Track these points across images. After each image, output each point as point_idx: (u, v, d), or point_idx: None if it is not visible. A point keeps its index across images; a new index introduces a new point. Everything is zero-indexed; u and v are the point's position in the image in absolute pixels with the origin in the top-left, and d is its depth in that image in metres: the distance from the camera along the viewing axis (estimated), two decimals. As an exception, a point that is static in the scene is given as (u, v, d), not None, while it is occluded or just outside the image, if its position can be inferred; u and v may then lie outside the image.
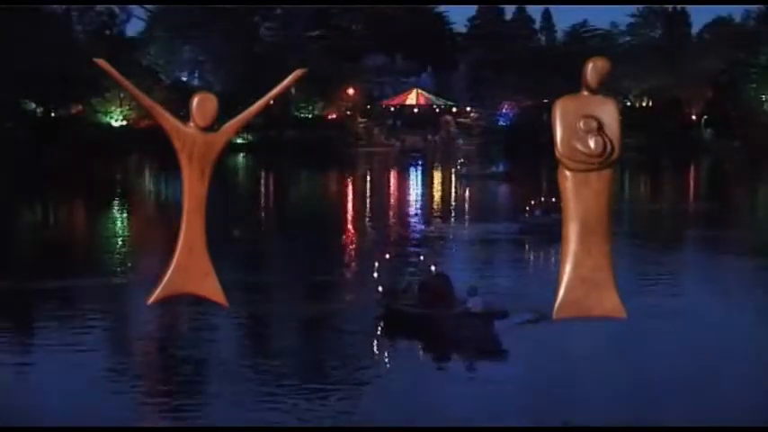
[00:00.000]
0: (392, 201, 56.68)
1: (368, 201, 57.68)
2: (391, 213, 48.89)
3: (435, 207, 52.07)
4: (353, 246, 37.33)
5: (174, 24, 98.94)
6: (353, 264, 32.81)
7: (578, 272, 4.21)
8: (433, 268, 23.75)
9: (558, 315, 4.25)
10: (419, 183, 69.94)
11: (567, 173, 4.18)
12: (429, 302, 21.50)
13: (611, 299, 4.26)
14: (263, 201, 60.44)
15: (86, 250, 36.57)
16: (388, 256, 27.23)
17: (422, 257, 27.03)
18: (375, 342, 21.19)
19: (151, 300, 4.33)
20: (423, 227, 42.27)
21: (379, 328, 21.92)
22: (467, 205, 54.20)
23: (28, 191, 53.68)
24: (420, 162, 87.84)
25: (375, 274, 23.84)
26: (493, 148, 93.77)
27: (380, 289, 22.86)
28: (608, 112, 4.16)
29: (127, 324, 22.93)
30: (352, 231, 41.44)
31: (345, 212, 50.82)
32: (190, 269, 4.32)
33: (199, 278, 4.35)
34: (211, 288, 4.38)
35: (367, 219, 46.66)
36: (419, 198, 58.16)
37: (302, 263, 31.63)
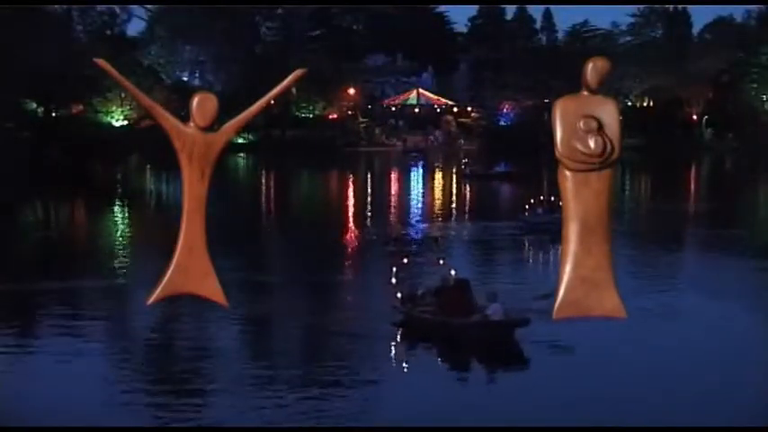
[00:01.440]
0: (401, 201, 56.44)
1: (375, 201, 57.55)
2: (401, 214, 48.59)
3: (444, 207, 51.92)
4: (363, 247, 37.19)
5: (174, 24, 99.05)
6: (367, 266, 32.55)
7: (578, 272, 4.22)
8: (453, 273, 22.32)
9: (557, 315, 4.26)
10: (424, 183, 69.81)
11: (567, 173, 4.18)
12: (447, 309, 20.55)
13: (611, 299, 4.26)
14: (263, 200, 60.47)
15: (86, 250, 36.59)
16: (406, 260, 25.82)
17: (441, 261, 25.36)
18: (390, 350, 20.49)
19: (151, 300, 4.33)
20: (431, 227, 42.13)
21: (395, 335, 21.12)
22: (475, 205, 54.13)
23: (29, 190, 53.69)
24: (422, 162, 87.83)
25: (393, 280, 22.71)
26: (494, 147, 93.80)
27: (399, 295, 21.78)
28: (608, 112, 4.16)
29: (130, 325, 22.92)
30: (361, 232, 41.05)
31: (350, 212, 50.78)
32: (190, 269, 4.32)
33: (199, 278, 4.35)
34: (211, 288, 4.38)
35: (377, 219, 46.19)
36: (427, 198, 58.07)
37: (312, 264, 31.62)
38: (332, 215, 49.11)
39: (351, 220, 46.47)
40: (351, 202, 56.99)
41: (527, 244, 36.18)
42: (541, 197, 39.66)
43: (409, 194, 60.84)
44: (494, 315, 19.93)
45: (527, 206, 40.02)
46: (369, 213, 49.84)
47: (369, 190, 65.45)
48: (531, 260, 34.42)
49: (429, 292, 21.72)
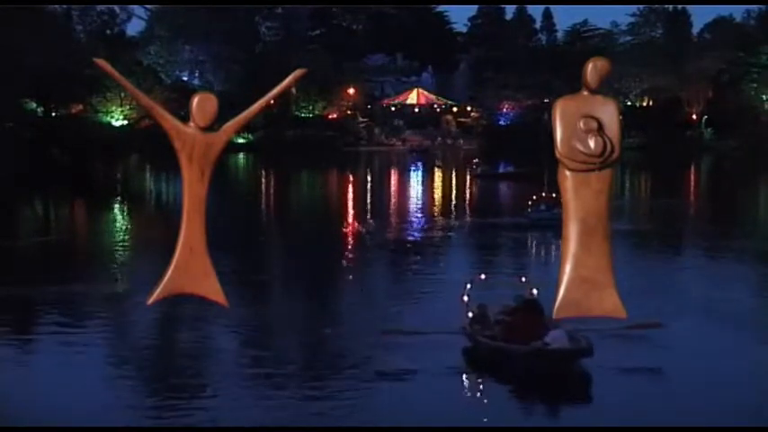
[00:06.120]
0: (404, 200, 56.44)
1: (376, 200, 57.51)
2: (405, 212, 48.48)
3: (450, 205, 51.86)
4: (363, 246, 37.19)
5: (174, 24, 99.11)
6: (367, 267, 32.53)
7: (578, 272, 4.22)
8: (535, 292, 19.16)
9: (557, 315, 4.27)
10: (429, 183, 69.65)
11: (567, 173, 4.19)
12: (512, 333, 17.97)
13: (611, 299, 4.26)
14: (263, 199, 60.47)
15: (86, 250, 36.58)
16: (483, 276, 21.34)
17: (523, 279, 20.61)
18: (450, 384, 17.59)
19: (151, 300, 4.33)
20: (435, 225, 42.18)
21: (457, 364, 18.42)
22: (481, 202, 54.14)
23: (28, 190, 53.70)
24: (423, 162, 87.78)
25: (465, 297, 19.33)
26: (494, 147, 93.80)
27: (470, 314, 19.03)
28: (608, 112, 4.16)
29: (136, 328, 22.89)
30: (360, 231, 40.94)
31: (350, 212, 50.73)
32: (190, 269, 4.32)
33: (199, 278, 4.35)
34: (211, 288, 4.38)
35: (379, 217, 45.88)
36: (429, 197, 58.03)
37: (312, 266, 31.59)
38: (331, 214, 49.05)
39: (351, 219, 46.36)
40: (350, 201, 56.91)
41: (529, 239, 36.61)
42: (543, 194, 39.99)
43: (412, 194, 60.84)
44: (554, 343, 17.31)
45: (530, 203, 40.57)
46: (368, 213, 49.76)
47: (369, 189, 65.41)
48: (533, 254, 34.77)
49: (505, 311, 19.03)
